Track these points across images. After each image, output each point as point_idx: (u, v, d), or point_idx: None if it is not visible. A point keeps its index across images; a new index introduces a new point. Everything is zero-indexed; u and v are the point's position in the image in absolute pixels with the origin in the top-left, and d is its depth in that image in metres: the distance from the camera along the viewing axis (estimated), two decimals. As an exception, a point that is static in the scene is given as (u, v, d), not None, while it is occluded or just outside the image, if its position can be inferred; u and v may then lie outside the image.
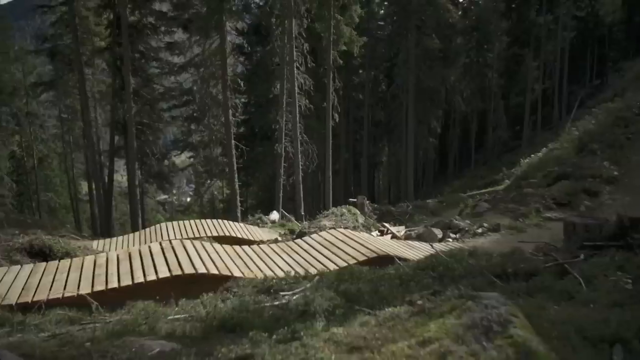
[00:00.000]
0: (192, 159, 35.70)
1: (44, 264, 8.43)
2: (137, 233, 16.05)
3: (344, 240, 9.62)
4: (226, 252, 8.92)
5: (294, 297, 5.87)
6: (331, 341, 3.59)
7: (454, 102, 40.92)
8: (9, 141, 38.31)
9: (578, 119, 33.71)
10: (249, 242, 13.03)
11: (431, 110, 38.49)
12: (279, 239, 13.49)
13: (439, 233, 12.47)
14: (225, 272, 7.71)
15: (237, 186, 23.63)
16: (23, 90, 37.66)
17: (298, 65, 23.13)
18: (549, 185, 17.27)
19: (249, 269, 8.25)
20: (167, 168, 29.42)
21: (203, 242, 9.42)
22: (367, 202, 19.90)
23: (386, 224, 13.95)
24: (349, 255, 8.76)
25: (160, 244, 8.88)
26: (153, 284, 7.20)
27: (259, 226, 18.10)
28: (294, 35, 22.49)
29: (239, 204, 23.53)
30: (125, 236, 15.91)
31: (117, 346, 4.29)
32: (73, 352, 4.22)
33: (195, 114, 28.54)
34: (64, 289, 7.21)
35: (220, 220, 17.07)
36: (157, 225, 16.09)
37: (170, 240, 9.26)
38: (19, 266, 8.45)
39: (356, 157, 46.04)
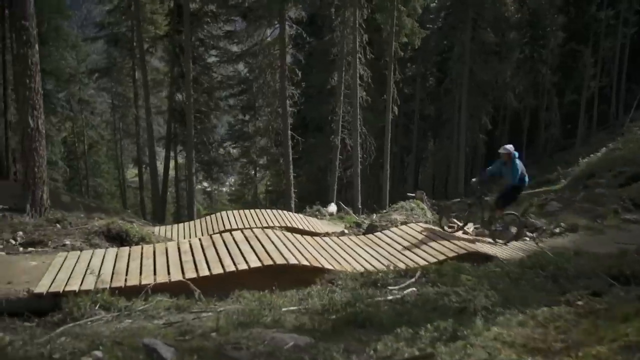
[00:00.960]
0: (236, 149, 35.67)
1: (127, 248, 8.39)
2: (198, 221, 16.04)
3: (427, 235, 9.36)
4: (309, 243, 8.75)
5: (405, 292, 5.64)
6: (499, 341, 3.33)
7: (505, 98, 39.92)
8: (63, 127, 39.12)
9: (637, 119, 32.57)
10: (312, 234, 12.83)
11: (483, 105, 37.71)
12: (346, 231, 13.24)
13: (514, 231, 12.00)
14: (316, 264, 7.55)
15: (292, 177, 23.49)
16: (77, 77, 38.35)
17: (359, 56, 22.82)
18: (621, 185, 16.63)
19: (337, 261, 8.06)
20: (222, 157, 29.46)
21: (284, 232, 9.26)
22: (426, 197, 19.52)
23: (456, 220, 13.57)
24: (436, 250, 8.49)
25: (243, 232, 8.77)
26: (244, 273, 7.06)
27: (317, 218, 17.91)
28: (356, 26, 22.21)
29: (293, 195, 23.39)
30: (186, 224, 15.93)
31: (247, 338, 4.12)
32: (203, 342, 4.07)
33: (250, 103, 28.41)
34: (155, 274, 7.14)
35: (280, 211, 16.95)
36: (218, 214, 16.02)
37: (252, 229, 9.13)
38: (102, 250, 8.43)
39: (401, 152, 45.45)
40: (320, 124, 29.82)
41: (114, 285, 6.64)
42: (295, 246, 8.21)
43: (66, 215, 10.96)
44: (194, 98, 23.68)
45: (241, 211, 16.05)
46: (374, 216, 18.54)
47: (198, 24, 26.27)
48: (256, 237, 8.38)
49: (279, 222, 14.83)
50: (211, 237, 8.53)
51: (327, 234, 12.96)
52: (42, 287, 6.61)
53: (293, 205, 23.07)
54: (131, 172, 48.91)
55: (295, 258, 7.45)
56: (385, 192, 24.00)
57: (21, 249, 9.17)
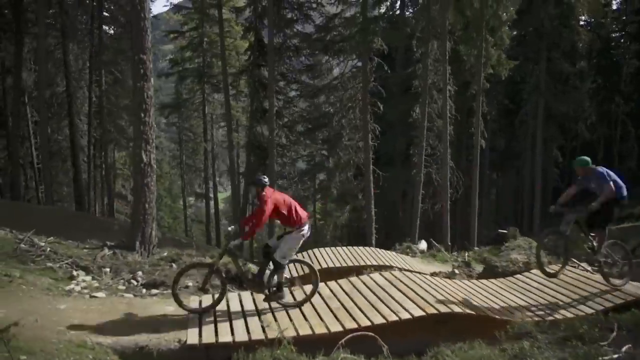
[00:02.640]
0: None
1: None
2: (290, 258, 15.46)
3: (576, 277, 8.55)
4: (453, 288, 8.05)
5: (623, 350, 4.91)
6: None
7: (575, 128, 38.38)
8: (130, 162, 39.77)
9: None
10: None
11: (556, 137, 36.38)
12: (457, 272, 12.44)
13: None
14: (480, 312, 6.85)
15: (373, 212, 22.82)
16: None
17: (448, 88, 22.17)
18: None
19: (495, 308, 7.32)
20: (302, 191, 29.04)
21: (424, 275, 8.61)
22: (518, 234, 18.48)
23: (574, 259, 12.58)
24: (597, 296, 7.69)
25: (382, 274, 8.19)
26: (406, 322, 6.44)
27: (408, 255, 17.13)
28: (446, 58, 21.71)
29: (374, 230, 22.70)
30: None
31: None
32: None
33: (330, 137, 27.95)
34: (307, 320, 6.60)
35: (373, 249, 16.32)
36: (311, 252, 15.40)
37: (390, 272, 8.52)
38: (235, 293, 8.02)
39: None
40: (393, 158, 29.17)
41: (270, 336, 6.13)
42: (445, 291, 7.55)
43: (180, 254, 10.60)
44: (275, 132, 23.45)
45: (334, 249, 15.48)
46: (467, 254, 17.63)
47: (280, 58, 26.08)
48: (400, 280, 7.79)
49: (375, 260, 14.10)
50: (350, 281, 7.95)
51: (434, 274, 12.18)
52: (192, 338, 6.19)
53: (374, 240, 22.34)
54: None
55: (458, 306, 6.78)
56: (474, 229, 22.98)
57: (144, 290, 8.81)
